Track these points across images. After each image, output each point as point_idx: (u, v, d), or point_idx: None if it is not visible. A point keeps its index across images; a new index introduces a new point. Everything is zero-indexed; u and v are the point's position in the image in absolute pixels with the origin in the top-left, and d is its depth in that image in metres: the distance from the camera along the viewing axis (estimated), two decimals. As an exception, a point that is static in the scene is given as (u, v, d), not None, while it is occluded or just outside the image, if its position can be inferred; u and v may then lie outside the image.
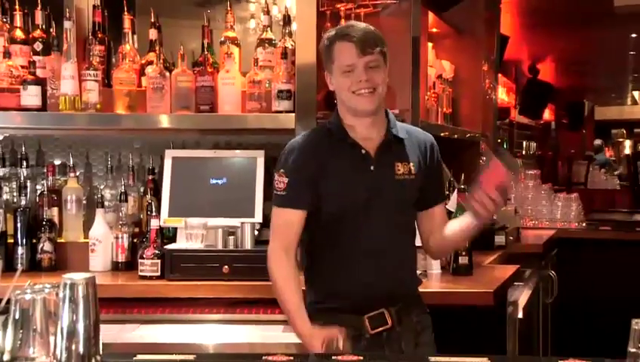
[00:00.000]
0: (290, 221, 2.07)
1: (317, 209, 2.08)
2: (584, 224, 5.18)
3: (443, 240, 2.19)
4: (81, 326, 1.34)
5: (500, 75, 5.47)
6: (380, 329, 2.06)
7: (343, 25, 2.26)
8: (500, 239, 3.75)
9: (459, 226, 2.15)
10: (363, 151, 2.07)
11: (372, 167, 2.07)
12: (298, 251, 2.14)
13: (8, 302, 1.43)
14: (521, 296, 3.39)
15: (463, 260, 2.84)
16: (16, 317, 1.34)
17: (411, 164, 2.11)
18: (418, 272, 2.64)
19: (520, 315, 3.23)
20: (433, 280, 2.77)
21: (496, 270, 3.09)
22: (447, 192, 3.15)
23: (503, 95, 7.26)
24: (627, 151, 13.87)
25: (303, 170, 2.06)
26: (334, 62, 2.05)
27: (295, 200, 2.06)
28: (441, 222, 2.20)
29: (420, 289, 2.24)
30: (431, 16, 3.77)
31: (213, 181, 2.80)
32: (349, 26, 2.12)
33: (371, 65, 2.02)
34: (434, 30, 4.03)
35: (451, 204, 3.04)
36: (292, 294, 2.05)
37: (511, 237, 4.01)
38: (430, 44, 3.89)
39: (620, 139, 15.13)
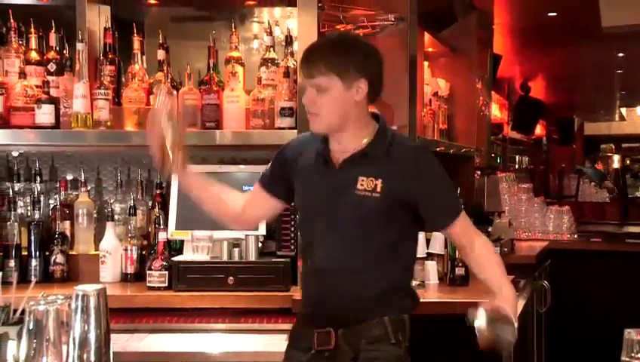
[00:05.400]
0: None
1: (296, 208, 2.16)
2: (576, 236, 5.25)
3: (478, 275, 2.10)
4: (92, 336, 1.36)
5: (493, 92, 5.56)
6: (324, 347, 1.94)
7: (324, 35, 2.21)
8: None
9: (488, 283, 2.03)
10: (329, 161, 1.99)
11: (333, 178, 1.97)
12: None
13: (23, 312, 1.46)
14: (516, 306, 3.45)
15: (459, 271, 2.89)
16: (30, 327, 1.36)
17: (379, 181, 1.91)
18: (416, 283, 2.72)
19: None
20: (430, 290, 2.82)
21: (491, 281, 3.16)
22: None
23: (496, 111, 7.35)
24: (616, 165, 13.98)
25: (280, 156, 2.13)
26: None
27: (263, 176, 2.17)
28: (462, 243, 2.04)
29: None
30: (427, 36, 3.84)
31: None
32: (317, 41, 2.11)
33: (317, 88, 1.91)
34: (430, 50, 4.10)
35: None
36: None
37: (505, 249, 4.08)
38: (426, 63, 3.96)
39: (609, 154, 15.25)
